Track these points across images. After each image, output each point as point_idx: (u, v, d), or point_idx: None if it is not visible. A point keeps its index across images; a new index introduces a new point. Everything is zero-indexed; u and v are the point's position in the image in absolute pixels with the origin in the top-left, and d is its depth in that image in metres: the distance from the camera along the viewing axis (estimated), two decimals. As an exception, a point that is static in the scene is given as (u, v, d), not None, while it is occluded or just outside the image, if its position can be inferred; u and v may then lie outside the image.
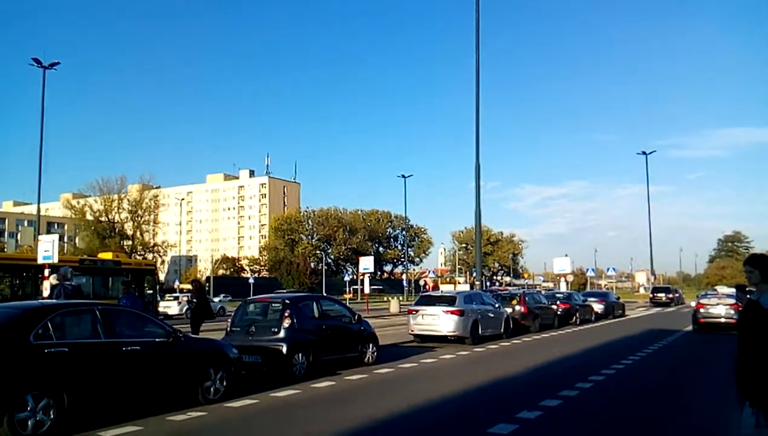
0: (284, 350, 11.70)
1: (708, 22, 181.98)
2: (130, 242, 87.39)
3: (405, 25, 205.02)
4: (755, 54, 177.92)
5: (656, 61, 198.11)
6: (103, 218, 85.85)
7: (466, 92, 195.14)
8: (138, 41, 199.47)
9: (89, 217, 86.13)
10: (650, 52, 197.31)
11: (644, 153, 60.63)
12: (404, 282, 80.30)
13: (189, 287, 25.75)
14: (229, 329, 12.95)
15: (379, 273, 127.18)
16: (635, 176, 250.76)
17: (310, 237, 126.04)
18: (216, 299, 48.10)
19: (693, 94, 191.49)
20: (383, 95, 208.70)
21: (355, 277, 78.30)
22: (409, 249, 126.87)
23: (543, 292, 35.69)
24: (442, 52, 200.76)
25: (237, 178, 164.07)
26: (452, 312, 18.25)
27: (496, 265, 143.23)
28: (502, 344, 18.81)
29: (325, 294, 39.85)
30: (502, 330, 20.37)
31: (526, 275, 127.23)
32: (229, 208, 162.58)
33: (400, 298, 60.20)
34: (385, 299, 69.20)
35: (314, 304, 13.44)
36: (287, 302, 12.75)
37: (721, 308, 23.45)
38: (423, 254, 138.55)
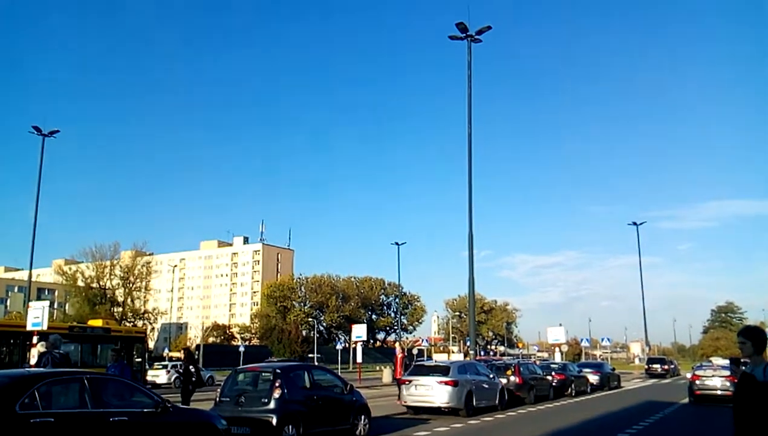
0: (274, 421, 11.46)
1: (696, 92, 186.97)
2: (120, 309, 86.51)
3: (397, 90, 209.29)
4: (745, 127, 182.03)
5: (646, 132, 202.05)
6: (94, 285, 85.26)
7: (460, 160, 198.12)
8: (132, 108, 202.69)
9: (81, 283, 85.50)
10: (640, 124, 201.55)
11: (635, 224, 61.19)
12: (397, 351, 79.15)
13: (179, 354, 25.41)
14: (218, 399, 12.70)
15: (371, 341, 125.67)
16: (627, 247, 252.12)
17: (302, 304, 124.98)
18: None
19: (682, 166, 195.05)
20: (377, 163, 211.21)
21: (347, 345, 77.36)
22: (403, 317, 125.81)
23: (538, 362, 35.28)
24: (436, 119, 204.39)
25: (231, 244, 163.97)
26: (446, 383, 17.96)
27: (490, 334, 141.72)
28: (497, 416, 18.48)
29: (316, 363, 39.22)
30: (496, 401, 20.02)
31: (520, 345, 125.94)
32: (222, 275, 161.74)
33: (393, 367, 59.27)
34: (378, 368, 68.16)
35: (305, 374, 13.24)
36: (278, 371, 12.55)
37: (716, 379, 23.26)
38: (416, 322, 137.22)
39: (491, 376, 20.57)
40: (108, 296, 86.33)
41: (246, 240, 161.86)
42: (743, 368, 5.04)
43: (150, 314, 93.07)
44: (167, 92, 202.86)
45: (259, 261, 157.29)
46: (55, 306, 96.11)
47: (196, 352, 67.22)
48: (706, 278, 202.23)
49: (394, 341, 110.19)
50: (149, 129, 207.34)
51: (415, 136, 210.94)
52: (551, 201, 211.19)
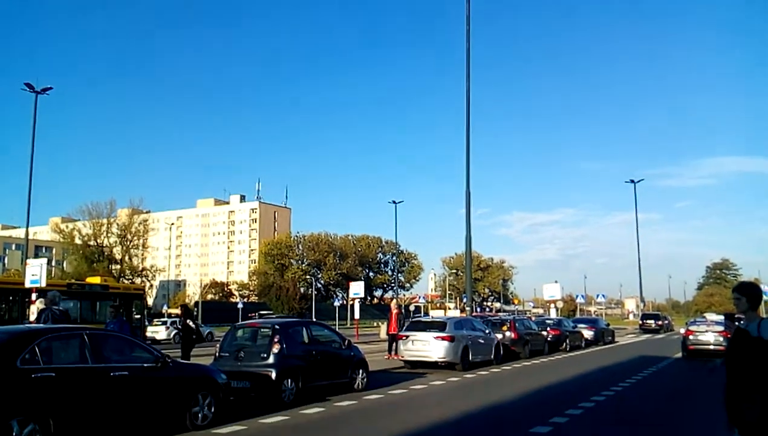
0: (273, 375, 11.60)
1: (695, 53, 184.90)
2: (118, 267, 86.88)
3: (397, 51, 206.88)
4: (743, 84, 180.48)
5: (644, 90, 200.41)
6: (91, 242, 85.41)
7: (457, 119, 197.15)
8: (129, 65, 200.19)
9: (78, 241, 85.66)
10: (638, 83, 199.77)
11: (632, 181, 61.14)
12: (392, 306, 79.62)
13: (177, 311, 25.55)
14: (217, 354, 12.83)
15: (369, 298, 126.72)
16: (624, 204, 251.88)
17: (300, 262, 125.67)
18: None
19: (681, 123, 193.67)
20: (375, 122, 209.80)
21: (345, 302, 78.01)
22: (400, 274, 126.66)
23: (533, 318, 35.63)
24: (435, 79, 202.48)
25: (227, 203, 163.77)
26: (442, 338, 18.18)
27: (487, 291, 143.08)
28: (493, 370, 18.75)
29: (314, 319, 39.56)
30: (492, 356, 20.29)
31: (516, 301, 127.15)
32: (219, 233, 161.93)
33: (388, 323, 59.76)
34: (375, 324, 68.91)
35: (304, 329, 13.36)
36: (276, 327, 12.65)
37: (710, 335, 23.51)
38: (413, 280, 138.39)
39: (487, 331, 20.80)
40: (105, 253, 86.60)
41: (243, 198, 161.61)
42: (738, 323, 5.09)
43: (148, 272, 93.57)
44: (164, 52, 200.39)
45: (256, 219, 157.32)
46: (53, 264, 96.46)
47: (195, 309, 67.78)
48: (703, 235, 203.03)
49: (391, 299, 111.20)
50: (145, 87, 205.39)
51: (414, 96, 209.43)
52: (549, 159, 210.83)
